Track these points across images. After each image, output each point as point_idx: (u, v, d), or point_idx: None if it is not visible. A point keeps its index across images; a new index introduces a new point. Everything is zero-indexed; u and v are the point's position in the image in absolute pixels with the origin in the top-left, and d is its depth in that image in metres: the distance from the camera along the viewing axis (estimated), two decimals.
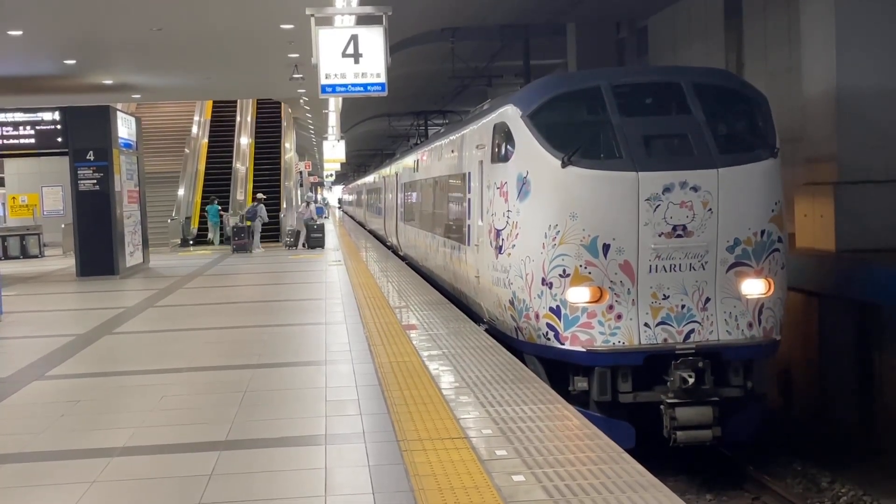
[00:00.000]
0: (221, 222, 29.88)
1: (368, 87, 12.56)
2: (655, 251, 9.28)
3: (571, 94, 10.40)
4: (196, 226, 30.56)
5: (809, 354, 12.91)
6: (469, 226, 12.41)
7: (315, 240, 26.79)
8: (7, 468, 6.13)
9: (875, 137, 13.56)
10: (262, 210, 27.55)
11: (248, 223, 26.85)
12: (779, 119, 10.36)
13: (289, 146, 37.76)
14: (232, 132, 34.52)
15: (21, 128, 19.36)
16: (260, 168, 33.64)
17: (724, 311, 9.49)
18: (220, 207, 30.18)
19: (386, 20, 12.42)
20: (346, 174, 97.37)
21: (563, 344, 9.52)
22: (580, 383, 9.50)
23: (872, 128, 13.56)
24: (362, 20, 13.18)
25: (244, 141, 34.23)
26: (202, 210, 31.14)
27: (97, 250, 18.98)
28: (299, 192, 40.50)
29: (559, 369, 9.72)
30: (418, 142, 35.64)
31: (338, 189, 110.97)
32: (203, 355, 10.07)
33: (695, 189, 9.27)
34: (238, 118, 34.97)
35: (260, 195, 28.66)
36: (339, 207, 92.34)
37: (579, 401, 9.36)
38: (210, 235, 30.11)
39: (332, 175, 71.03)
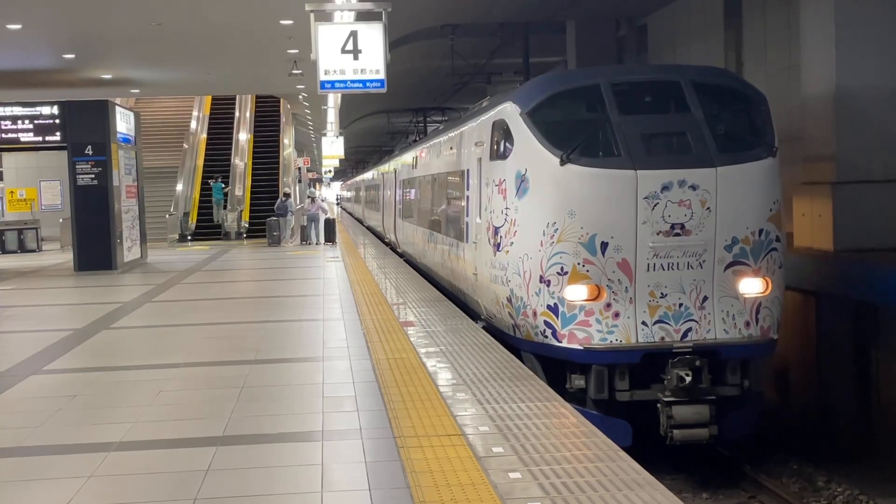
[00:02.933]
0: (225, 200, 29.91)
1: (367, 84, 12.55)
2: (653, 249, 9.28)
3: (570, 92, 10.40)
4: (194, 221, 30.55)
5: (807, 354, 12.92)
6: (467, 223, 12.41)
7: (330, 234, 26.71)
8: (4, 462, 6.13)
9: (874, 137, 13.56)
10: (293, 205, 27.56)
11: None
12: (778, 118, 10.37)
13: (287, 142, 37.72)
14: (231, 128, 34.48)
15: (19, 122, 19.34)
16: (258, 164, 33.61)
17: (722, 310, 9.49)
18: (223, 185, 30.26)
19: (385, 16, 12.41)
20: (345, 170, 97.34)
21: (561, 342, 9.52)
22: (577, 381, 9.51)
23: (871, 128, 13.56)
24: (362, 16, 13.17)
25: (243, 136, 34.19)
26: (204, 187, 31.23)
27: (95, 245, 18.98)
28: (298, 188, 40.51)
29: (556, 367, 9.72)
30: (417, 138, 35.63)
31: (336, 185, 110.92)
32: (200, 351, 10.07)
33: (693, 188, 9.27)
34: (237, 114, 34.93)
35: (287, 190, 28.72)
36: (338, 204, 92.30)
37: (576, 399, 9.37)
38: (214, 216, 30.19)
39: (330, 171, 71.06)
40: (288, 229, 26.96)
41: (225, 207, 30.23)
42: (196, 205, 31.09)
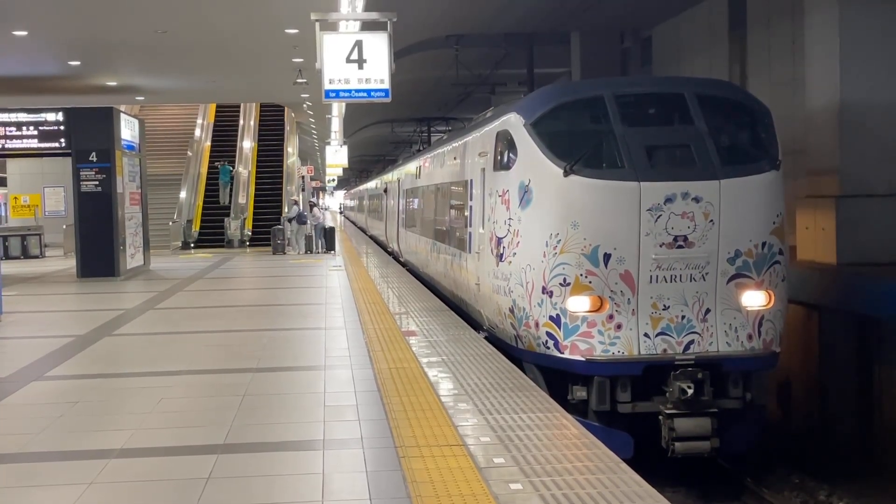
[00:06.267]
0: (230, 186, 30.06)
1: (372, 93, 12.58)
2: (656, 261, 9.27)
3: (575, 103, 10.41)
4: (198, 228, 30.60)
5: (809, 367, 12.90)
6: (470, 233, 12.41)
7: (330, 243, 26.86)
8: (5, 468, 6.13)
9: (877, 151, 13.57)
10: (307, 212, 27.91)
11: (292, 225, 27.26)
12: (781, 131, 10.37)
13: (291, 150, 37.79)
14: (235, 136, 34.56)
15: (24, 128, 19.39)
16: (262, 172, 33.68)
17: (724, 323, 9.48)
18: (231, 169, 30.49)
19: (390, 26, 12.45)
20: (349, 179, 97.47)
21: (563, 353, 9.51)
22: (579, 392, 9.49)
23: (875, 142, 13.57)
24: (367, 26, 13.21)
25: (247, 145, 34.27)
26: (210, 179, 31.57)
27: (98, 252, 18.98)
28: (301, 196, 40.61)
29: (558, 378, 9.71)
30: (421, 148, 35.67)
31: (339, 194, 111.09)
32: (202, 358, 10.07)
33: (696, 200, 9.27)
34: (241, 122, 35.01)
35: (294, 198, 28.98)
36: (341, 213, 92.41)
37: (578, 410, 9.35)
38: (220, 198, 30.51)
39: (334, 180, 71.19)
40: (303, 236, 27.05)
41: (231, 191, 30.41)
42: (199, 212, 31.15)
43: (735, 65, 18.59)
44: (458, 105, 34.23)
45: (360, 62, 12.42)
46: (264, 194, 32.48)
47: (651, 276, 9.32)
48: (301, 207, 27.81)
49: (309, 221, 27.30)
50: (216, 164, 31.44)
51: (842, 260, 13.18)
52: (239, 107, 35.15)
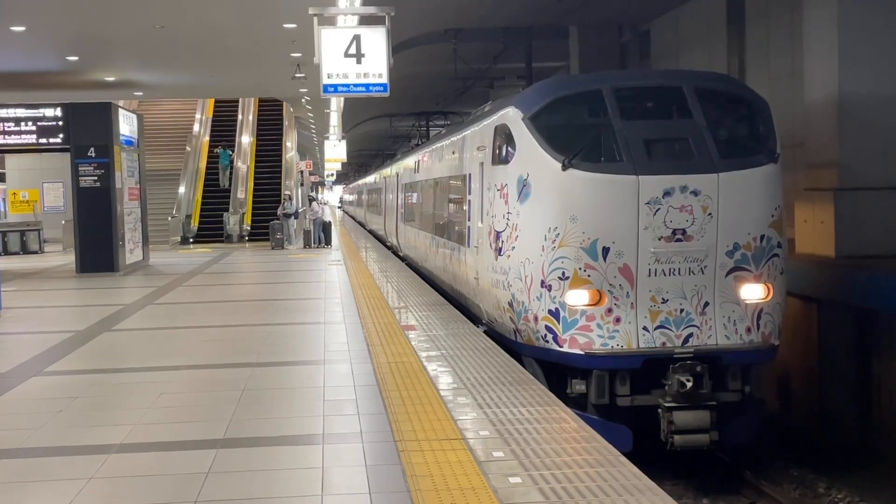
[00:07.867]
0: (230, 170, 30.23)
1: (370, 88, 12.57)
2: (655, 255, 9.28)
3: (573, 97, 10.40)
4: (197, 223, 30.59)
5: (808, 360, 12.92)
6: (469, 227, 12.41)
7: (327, 237, 27.05)
8: (5, 464, 6.13)
9: (876, 144, 13.56)
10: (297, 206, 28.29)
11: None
12: (780, 124, 10.37)
13: (290, 145, 37.76)
14: (233, 131, 34.53)
15: (22, 123, 19.38)
16: (261, 167, 33.66)
17: (723, 316, 9.49)
18: (231, 153, 30.79)
19: (388, 21, 12.43)
20: (347, 174, 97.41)
21: (562, 346, 9.52)
22: (578, 386, 9.50)
23: (873, 135, 13.57)
24: (365, 20, 13.19)
25: (246, 139, 34.24)
26: (209, 173, 31.88)
27: (97, 247, 19.00)
28: (300, 191, 40.56)
29: (557, 372, 9.72)
30: (419, 142, 35.65)
31: (338, 189, 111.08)
32: (202, 353, 10.07)
33: (695, 193, 9.27)
34: (240, 117, 34.98)
35: (287, 193, 29.32)
36: (340, 207, 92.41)
37: (577, 404, 9.36)
38: (220, 182, 31.00)
39: (332, 175, 71.08)
40: (302, 230, 27.23)
41: (231, 175, 30.58)
42: (198, 207, 31.15)
43: (734, 58, 18.57)
44: (456, 99, 34.20)
45: (359, 56, 12.41)
46: (263, 189, 32.48)
47: (650, 270, 9.32)
48: (298, 203, 27.91)
49: (308, 216, 27.36)
50: (215, 149, 31.77)
51: (840, 253, 13.19)
52: (237, 102, 35.13)
